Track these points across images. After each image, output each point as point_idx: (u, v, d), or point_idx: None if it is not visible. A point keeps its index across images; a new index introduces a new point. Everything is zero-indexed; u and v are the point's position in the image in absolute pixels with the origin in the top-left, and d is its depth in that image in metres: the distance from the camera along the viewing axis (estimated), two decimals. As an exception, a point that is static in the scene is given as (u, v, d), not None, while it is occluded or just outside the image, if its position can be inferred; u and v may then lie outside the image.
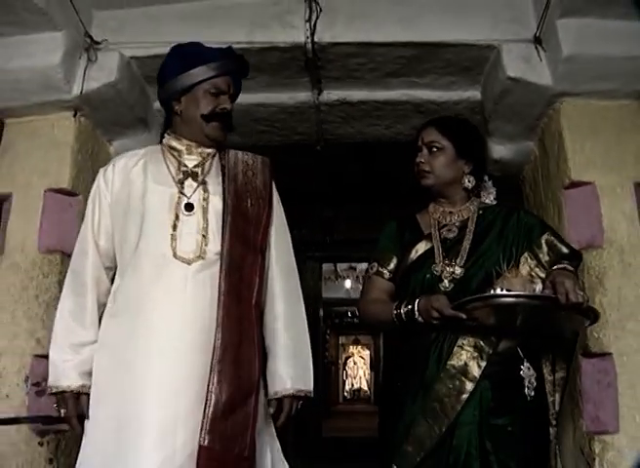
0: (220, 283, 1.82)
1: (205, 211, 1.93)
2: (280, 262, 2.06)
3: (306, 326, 2.05)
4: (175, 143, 2.04)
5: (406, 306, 1.98)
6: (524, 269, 2.02)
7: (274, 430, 1.99)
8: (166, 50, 2.41)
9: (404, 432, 1.93)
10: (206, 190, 1.97)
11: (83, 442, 1.85)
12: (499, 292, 1.81)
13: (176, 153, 2.03)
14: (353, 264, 10.50)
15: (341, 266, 10.09)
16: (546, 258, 2.04)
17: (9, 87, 2.87)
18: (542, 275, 2.00)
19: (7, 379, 2.64)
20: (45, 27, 2.77)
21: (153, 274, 1.86)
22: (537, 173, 3.22)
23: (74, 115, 2.99)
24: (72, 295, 1.97)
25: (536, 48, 2.86)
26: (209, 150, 2.06)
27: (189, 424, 1.72)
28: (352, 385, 19.37)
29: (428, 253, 2.11)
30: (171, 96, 2.06)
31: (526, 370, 1.96)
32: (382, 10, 2.94)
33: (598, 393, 2.55)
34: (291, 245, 2.14)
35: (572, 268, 1.99)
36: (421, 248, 2.14)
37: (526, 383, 1.94)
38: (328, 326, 12.33)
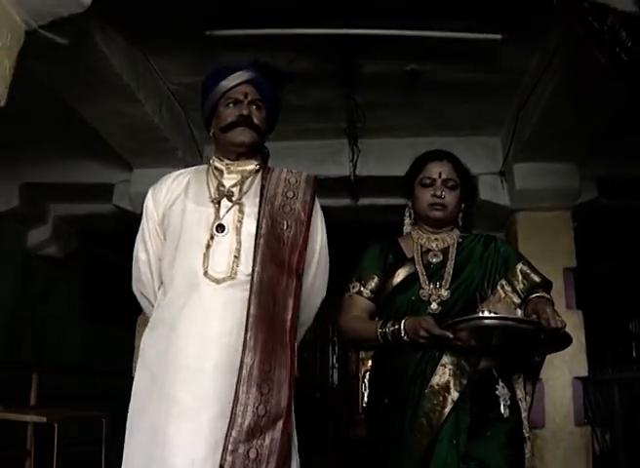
0: (248, 305, 1.77)
1: (238, 232, 1.89)
2: (314, 285, 2.05)
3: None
4: (217, 163, 2.04)
5: (392, 325, 1.99)
6: (500, 294, 2.10)
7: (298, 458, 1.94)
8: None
9: (398, 445, 1.96)
10: (241, 211, 1.92)
11: (124, 451, 1.83)
12: (486, 314, 1.86)
13: (217, 173, 2.02)
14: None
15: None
16: (520, 286, 2.10)
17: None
18: (517, 301, 2.08)
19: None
20: (174, 164, 3.91)
21: (186, 291, 1.83)
22: (504, 255, 4.63)
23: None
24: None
25: (500, 180, 4.39)
26: (249, 167, 2.03)
27: (210, 441, 1.68)
28: (369, 397, 19.53)
29: (412, 277, 2.14)
30: (206, 124, 2.09)
31: (501, 390, 2.00)
32: (399, 152, 4.28)
33: (534, 403, 3.82)
34: (327, 267, 2.11)
35: (549, 297, 2.08)
36: (405, 271, 2.17)
37: (501, 402, 1.98)
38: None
